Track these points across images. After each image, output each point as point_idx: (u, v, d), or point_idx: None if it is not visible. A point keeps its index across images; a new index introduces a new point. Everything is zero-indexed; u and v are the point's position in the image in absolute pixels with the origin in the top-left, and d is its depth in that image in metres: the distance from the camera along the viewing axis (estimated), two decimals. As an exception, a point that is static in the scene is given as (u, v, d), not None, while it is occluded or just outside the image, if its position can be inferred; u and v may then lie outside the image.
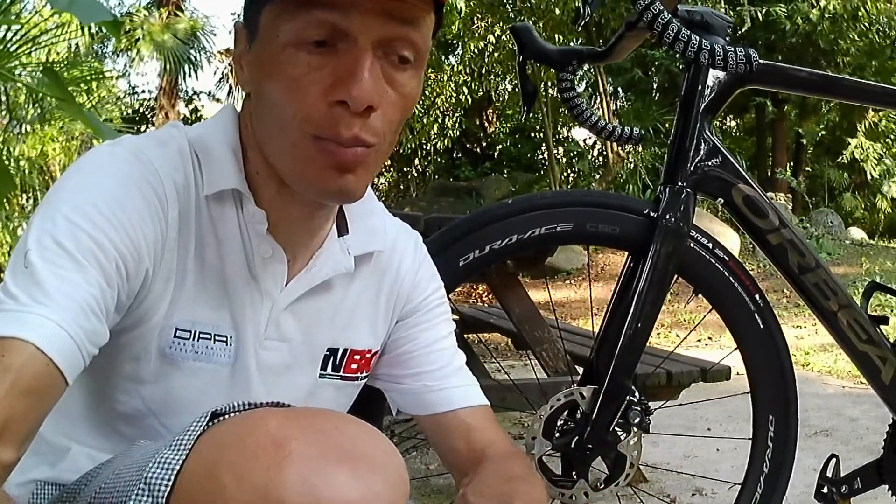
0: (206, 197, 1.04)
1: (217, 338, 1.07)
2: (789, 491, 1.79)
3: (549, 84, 15.50)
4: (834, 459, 1.81)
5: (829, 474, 1.81)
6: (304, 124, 0.95)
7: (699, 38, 1.51)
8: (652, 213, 1.65)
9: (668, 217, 1.63)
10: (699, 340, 7.07)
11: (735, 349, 1.77)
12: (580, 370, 1.69)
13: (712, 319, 6.95)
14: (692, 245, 1.68)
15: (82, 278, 0.90)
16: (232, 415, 0.88)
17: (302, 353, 1.16)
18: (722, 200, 1.71)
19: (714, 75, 1.69)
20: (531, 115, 19.23)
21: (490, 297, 9.41)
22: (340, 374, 1.21)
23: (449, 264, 1.55)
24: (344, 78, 0.93)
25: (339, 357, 1.20)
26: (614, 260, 12.00)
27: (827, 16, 14.75)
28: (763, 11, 14.47)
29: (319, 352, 1.18)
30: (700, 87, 1.69)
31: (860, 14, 15.04)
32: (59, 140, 8.70)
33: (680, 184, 1.66)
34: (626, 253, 1.72)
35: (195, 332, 1.06)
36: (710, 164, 1.69)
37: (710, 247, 1.70)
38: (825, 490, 1.80)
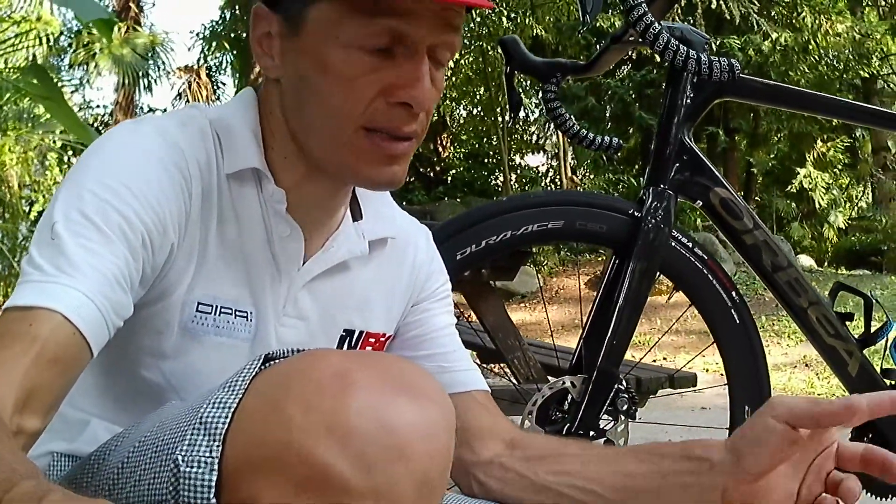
0: (227, 176, 1.07)
1: (238, 313, 1.09)
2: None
3: (501, 111, 15.64)
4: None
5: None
6: (361, 119, 1.02)
7: (686, 47, 1.60)
8: (636, 214, 1.74)
9: (650, 217, 1.73)
10: (654, 360, 7.21)
11: (693, 358, 1.86)
12: (551, 380, 1.77)
13: (667, 340, 7.06)
14: (673, 244, 1.77)
15: (108, 251, 0.92)
16: (284, 358, 0.90)
17: (319, 332, 1.18)
18: (700, 203, 1.81)
19: (693, 87, 1.80)
20: (485, 140, 19.48)
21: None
22: None
23: (446, 258, 1.62)
24: (406, 82, 1.01)
25: (355, 339, 1.22)
26: (568, 283, 12.18)
27: (778, 48, 15.09)
28: (717, 42, 14.77)
29: (336, 332, 1.20)
30: (681, 97, 1.79)
31: (810, 47, 15.39)
32: (15, 150, 8.64)
33: (662, 186, 1.76)
34: (611, 252, 1.82)
35: (217, 306, 1.08)
36: (689, 168, 1.79)
37: (690, 245, 1.80)
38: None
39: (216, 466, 0.81)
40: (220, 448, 0.82)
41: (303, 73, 1.04)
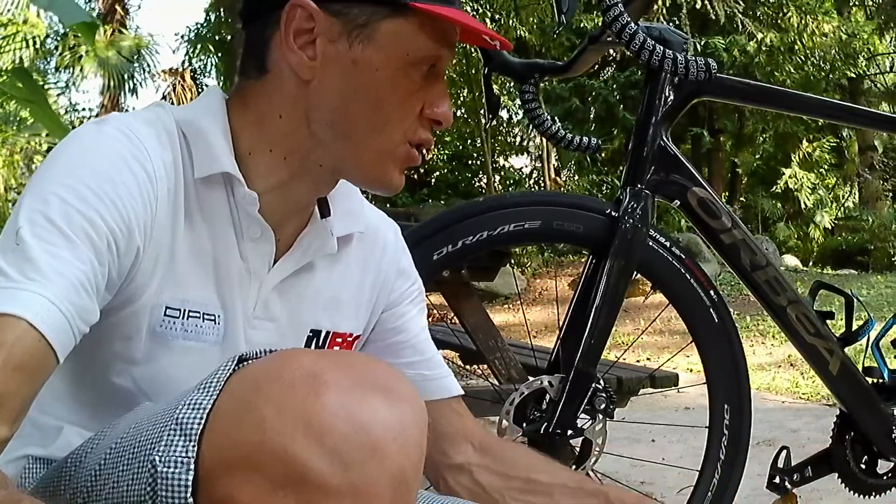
0: (196, 178, 1.06)
1: (206, 316, 1.08)
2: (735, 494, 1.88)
3: (485, 113, 15.65)
4: (785, 451, 1.91)
5: (780, 465, 1.90)
6: (406, 132, 1.10)
7: (662, 47, 1.60)
8: (613, 213, 1.74)
9: (627, 217, 1.73)
10: (638, 360, 7.22)
11: (674, 356, 1.86)
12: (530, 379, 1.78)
13: (651, 341, 7.08)
14: (650, 243, 1.77)
15: (74, 255, 0.91)
16: (259, 358, 0.90)
17: (288, 333, 1.17)
18: (678, 203, 1.81)
19: (671, 87, 1.80)
20: (469, 142, 19.51)
21: (431, 319, 9.48)
22: None
23: (423, 259, 1.62)
24: (438, 101, 1.11)
25: (321, 339, 1.22)
26: (552, 284, 12.21)
27: (764, 48, 15.14)
28: (702, 43, 14.81)
29: (303, 332, 1.20)
30: (659, 97, 1.80)
31: (796, 47, 15.44)
32: (1, 153, 8.62)
33: (639, 186, 1.76)
34: (588, 252, 1.82)
35: (185, 310, 1.07)
36: (666, 168, 1.80)
37: (668, 245, 1.80)
38: (777, 480, 1.89)
39: (192, 466, 0.82)
40: (195, 448, 0.83)
41: (361, 81, 1.07)
